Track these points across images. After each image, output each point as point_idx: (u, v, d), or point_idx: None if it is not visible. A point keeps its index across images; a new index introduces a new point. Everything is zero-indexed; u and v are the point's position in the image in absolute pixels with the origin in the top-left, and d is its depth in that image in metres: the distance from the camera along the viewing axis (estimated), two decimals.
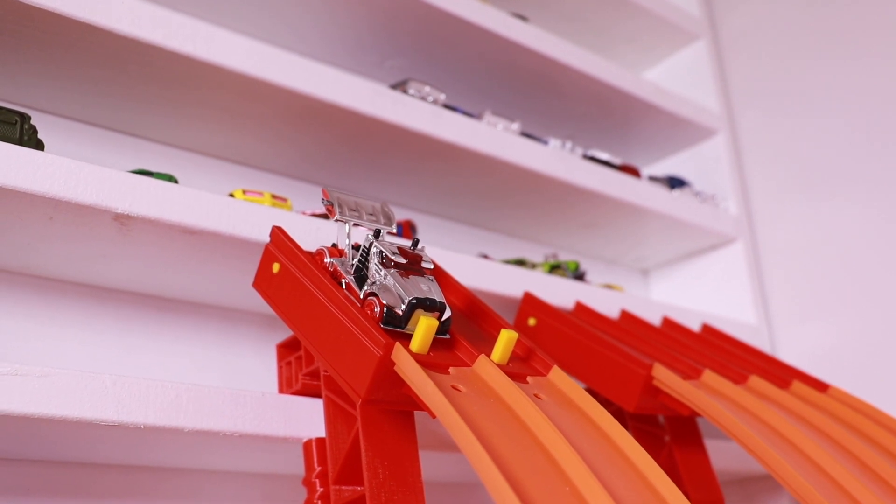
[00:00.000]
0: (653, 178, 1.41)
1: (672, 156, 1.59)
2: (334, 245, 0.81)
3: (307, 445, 0.81)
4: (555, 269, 1.23)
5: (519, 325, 1.08)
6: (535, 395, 0.72)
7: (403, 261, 0.74)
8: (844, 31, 1.47)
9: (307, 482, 0.80)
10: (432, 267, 0.76)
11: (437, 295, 0.73)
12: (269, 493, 0.99)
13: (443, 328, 0.74)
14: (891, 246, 1.35)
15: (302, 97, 1.00)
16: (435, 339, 0.72)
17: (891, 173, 1.36)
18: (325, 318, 0.73)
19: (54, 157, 0.79)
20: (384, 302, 0.71)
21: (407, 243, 0.79)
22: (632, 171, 1.36)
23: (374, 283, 0.73)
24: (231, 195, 0.94)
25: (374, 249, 0.75)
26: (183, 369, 1.01)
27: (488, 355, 0.74)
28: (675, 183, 1.42)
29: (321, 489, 0.78)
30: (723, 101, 1.57)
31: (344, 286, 0.76)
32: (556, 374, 0.77)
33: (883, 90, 1.40)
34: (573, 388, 0.75)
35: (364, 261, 0.75)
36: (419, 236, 1.25)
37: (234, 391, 0.80)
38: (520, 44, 1.26)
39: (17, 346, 0.91)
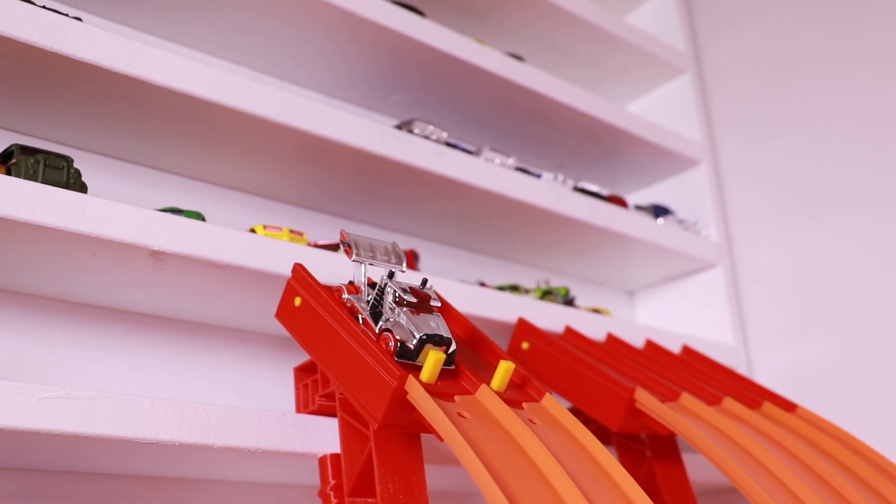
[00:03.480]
0: (639, 207, 1.51)
1: (657, 184, 1.68)
2: (351, 282, 0.90)
3: (322, 461, 0.89)
4: (546, 294, 1.32)
5: (513, 349, 1.17)
6: (530, 420, 0.82)
7: (414, 300, 0.83)
8: (820, 67, 1.56)
9: (322, 494, 0.88)
10: (440, 305, 0.86)
11: (445, 331, 0.82)
12: (286, 502, 1.08)
13: (449, 360, 0.83)
14: (861, 272, 1.44)
15: (317, 138, 1.08)
16: (442, 370, 0.81)
17: (863, 202, 1.45)
18: (345, 351, 0.82)
19: (98, 200, 0.87)
20: (398, 337, 0.80)
21: (416, 279, 0.89)
22: (619, 201, 1.45)
23: (388, 319, 0.82)
24: (252, 230, 1.03)
25: (388, 289, 0.84)
26: (206, 389, 1.10)
27: (488, 384, 0.83)
28: (659, 211, 1.51)
29: (335, 500, 0.86)
30: (705, 132, 1.67)
31: (361, 321, 0.85)
32: (548, 401, 0.86)
33: (855, 122, 1.49)
34: (563, 414, 0.84)
35: (379, 299, 0.85)
36: (422, 262, 1.35)
37: (257, 412, 0.88)
38: (515, 82, 1.36)
39: (55, 365, 1.00)
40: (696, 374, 1.22)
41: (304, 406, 0.96)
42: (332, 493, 0.87)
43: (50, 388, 0.77)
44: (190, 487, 1.01)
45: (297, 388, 0.97)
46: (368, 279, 0.90)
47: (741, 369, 1.49)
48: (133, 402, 0.81)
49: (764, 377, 1.51)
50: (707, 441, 0.96)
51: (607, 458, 0.79)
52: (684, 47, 1.71)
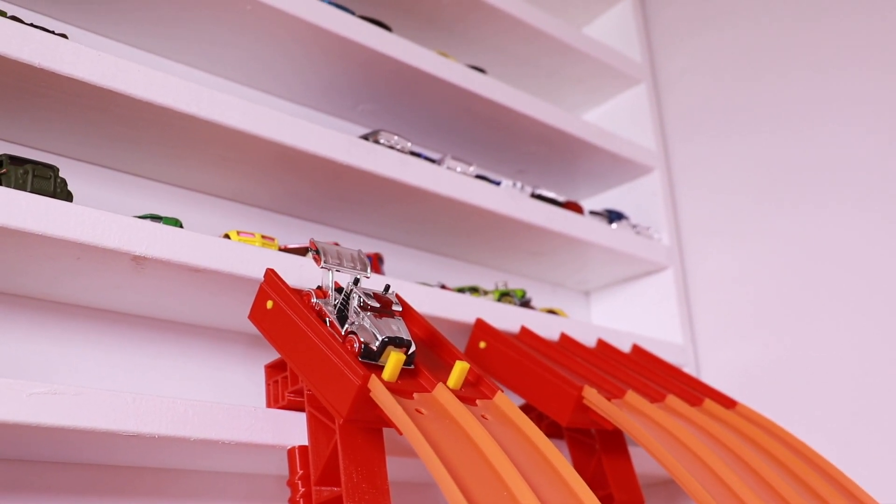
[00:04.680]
0: (594, 213, 1.58)
1: (612, 189, 1.76)
2: (319, 287, 0.97)
3: (291, 452, 0.96)
4: (504, 296, 1.39)
5: (471, 348, 1.24)
6: (483, 416, 0.89)
7: (377, 305, 0.91)
8: (768, 78, 1.63)
9: (291, 483, 0.94)
10: (401, 309, 0.93)
11: (405, 333, 0.90)
12: (257, 491, 1.14)
13: (409, 360, 0.90)
14: (805, 275, 1.51)
15: (288, 148, 1.15)
16: (402, 370, 0.89)
17: (807, 208, 1.53)
18: (313, 351, 0.89)
19: (83, 209, 0.93)
20: (362, 339, 0.88)
21: (381, 284, 0.96)
22: (575, 207, 1.53)
23: (353, 322, 0.89)
24: (226, 235, 1.09)
25: (353, 294, 0.91)
26: (183, 384, 1.16)
27: (445, 382, 0.90)
28: (613, 216, 1.59)
29: (303, 489, 0.93)
30: (659, 140, 1.74)
31: (328, 324, 0.92)
32: (500, 398, 0.93)
33: (801, 130, 1.56)
34: (514, 410, 0.92)
35: (345, 303, 0.92)
36: (387, 264, 1.42)
37: (231, 406, 0.95)
38: (476, 93, 1.43)
39: (42, 362, 1.06)
40: (642, 372, 1.30)
41: (274, 401, 1.02)
42: (300, 482, 0.93)
43: (39, 384, 0.83)
44: (167, 477, 1.08)
45: (267, 385, 1.04)
46: (335, 284, 0.97)
47: (689, 368, 1.57)
48: (116, 398, 0.87)
49: (710, 376, 1.59)
50: (648, 436, 1.03)
51: (552, 452, 0.86)
52: (640, 58, 1.79)
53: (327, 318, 0.92)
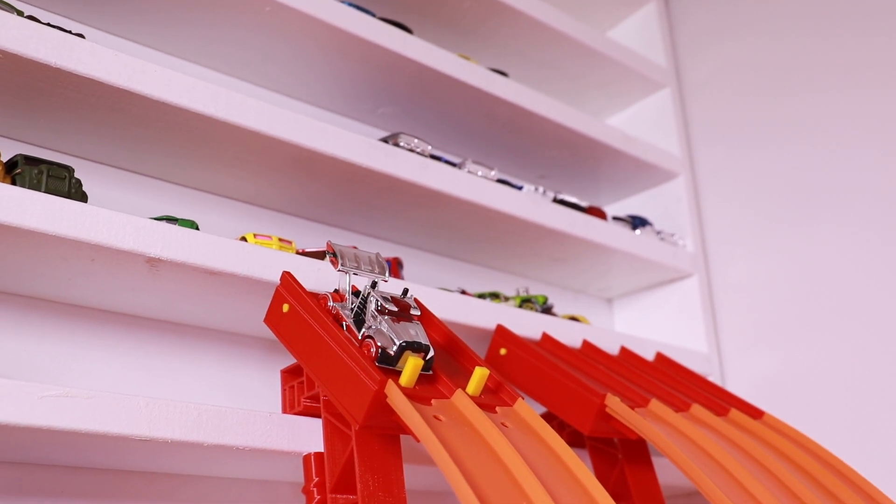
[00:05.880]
0: (617, 219, 1.56)
1: (636, 195, 1.74)
2: (336, 291, 0.95)
3: (306, 459, 0.94)
4: (525, 302, 1.37)
5: (491, 354, 1.22)
6: (502, 424, 0.87)
7: (395, 309, 0.89)
8: (795, 83, 1.61)
9: (306, 490, 0.93)
10: (419, 313, 0.91)
11: (423, 338, 0.88)
12: (271, 498, 1.13)
13: (427, 366, 0.88)
14: (833, 283, 1.49)
15: (306, 150, 1.13)
16: (420, 375, 0.87)
17: (835, 214, 1.50)
18: (329, 356, 0.87)
19: (98, 210, 0.92)
20: (379, 344, 0.86)
21: (399, 288, 0.94)
22: (598, 212, 1.50)
23: (370, 326, 0.88)
24: (243, 238, 1.08)
25: (370, 298, 0.89)
26: (197, 388, 1.15)
27: (464, 388, 0.88)
28: (637, 222, 1.56)
29: (318, 496, 0.91)
30: (684, 145, 1.72)
31: (345, 328, 0.90)
32: (521, 406, 0.91)
33: (828, 136, 1.54)
34: (534, 418, 0.90)
35: (362, 307, 0.90)
36: (406, 269, 1.40)
37: (246, 411, 0.93)
38: (498, 97, 1.41)
39: (54, 364, 1.05)
40: (666, 380, 1.27)
41: (289, 407, 1.01)
42: (315, 489, 0.92)
43: (51, 386, 0.81)
44: (180, 482, 1.06)
45: (283, 390, 1.02)
46: (353, 287, 0.95)
47: (714, 377, 1.55)
48: (129, 401, 0.86)
49: (736, 385, 1.56)
50: (672, 446, 1.01)
51: (574, 461, 0.84)
52: (665, 63, 1.77)
53: (344, 322, 0.90)
